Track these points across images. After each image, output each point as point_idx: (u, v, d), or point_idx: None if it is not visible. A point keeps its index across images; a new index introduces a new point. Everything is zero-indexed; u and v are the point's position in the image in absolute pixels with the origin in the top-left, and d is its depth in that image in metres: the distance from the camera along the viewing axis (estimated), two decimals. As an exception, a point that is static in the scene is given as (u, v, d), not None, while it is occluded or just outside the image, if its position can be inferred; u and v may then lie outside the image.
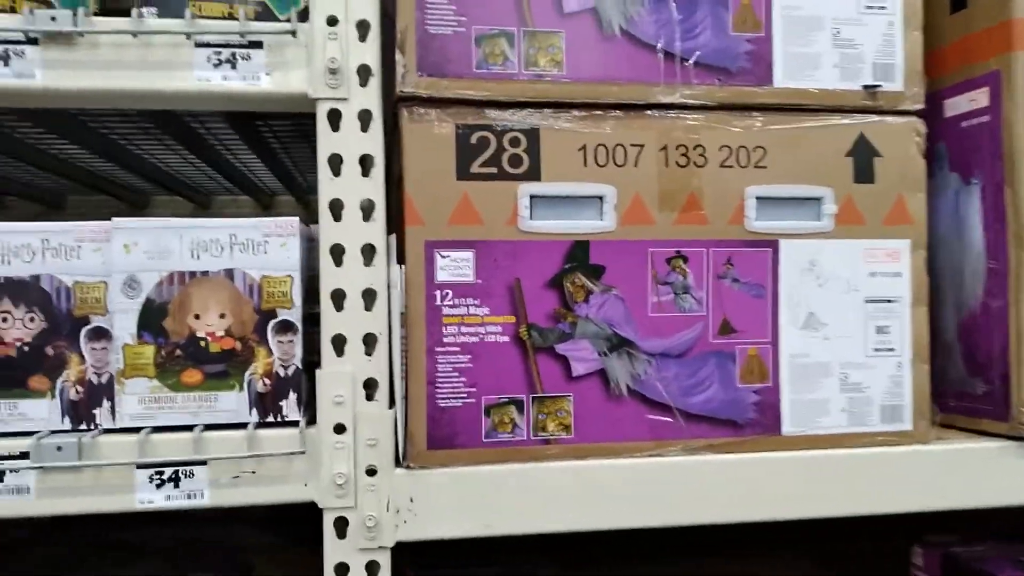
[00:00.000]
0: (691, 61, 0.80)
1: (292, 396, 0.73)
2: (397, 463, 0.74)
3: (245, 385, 0.73)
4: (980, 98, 0.88)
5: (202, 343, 0.73)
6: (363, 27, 0.74)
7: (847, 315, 0.82)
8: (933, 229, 0.95)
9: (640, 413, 0.78)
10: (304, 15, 0.74)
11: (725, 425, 0.79)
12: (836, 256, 0.82)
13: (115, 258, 0.72)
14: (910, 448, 0.82)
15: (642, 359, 0.78)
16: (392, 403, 0.74)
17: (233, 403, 0.73)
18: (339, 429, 0.72)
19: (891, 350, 0.83)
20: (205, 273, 0.73)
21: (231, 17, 0.76)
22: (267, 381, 0.73)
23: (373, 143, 0.74)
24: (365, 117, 0.74)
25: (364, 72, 0.74)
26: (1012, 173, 0.84)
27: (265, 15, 0.77)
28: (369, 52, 0.74)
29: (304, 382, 0.74)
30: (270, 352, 0.73)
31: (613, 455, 0.77)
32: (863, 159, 0.82)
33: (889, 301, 0.83)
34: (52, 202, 1.43)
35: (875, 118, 0.83)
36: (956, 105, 0.91)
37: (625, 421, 0.78)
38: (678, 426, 0.79)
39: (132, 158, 1.14)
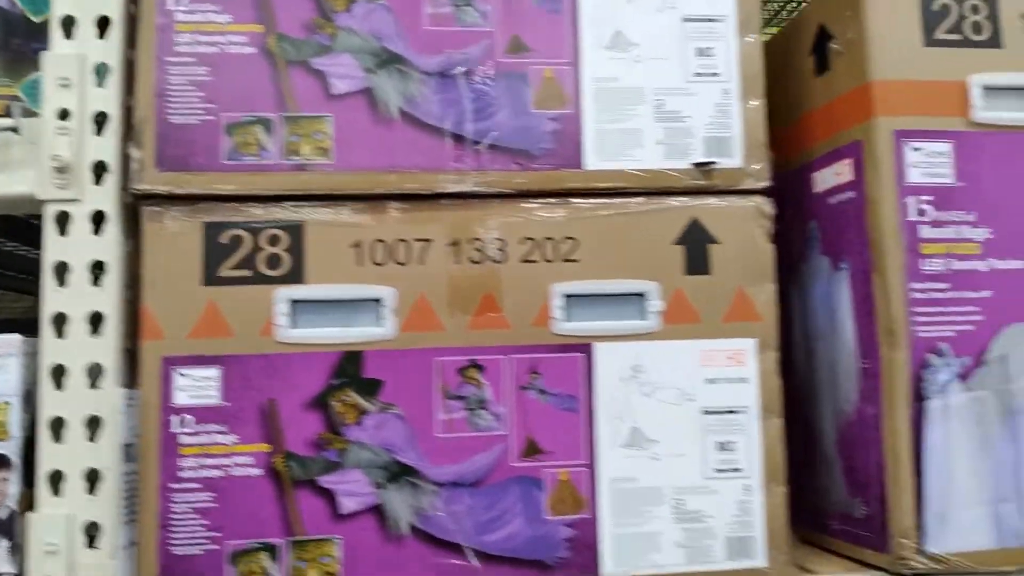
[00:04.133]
0: (485, 144, 0.70)
1: (3, 544, 0.63)
2: (132, 618, 0.64)
3: (-42, 528, 0.63)
4: (844, 171, 0.76)
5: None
6: (100, 120, 0.66)
7: (681, 430, 0.69)
8: (810, 322, 0.82)
9: (424, 556, 0.66)
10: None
11: (531, 567, 0.67)
12: (665, 360, 0.70)
13: None
14: (762, 591, 0.69)
15: (428, 490, 0.67)
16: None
17: (-57, 550, 0.63)
18: (56, 581, 0.62)
19: (737, 470, 0.70)
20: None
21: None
22: (-19, 524, 0.63)
23: (107, 248, 0.65)
24: (98, 219, 0.65)
25: (99, 169, 0.66)
26: (880, 258, 0.71)
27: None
28: (106, 147, 0.66)
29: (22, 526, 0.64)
30: (-13, 489, 0.64)
31: (394, 605, 0.65)
32: (696, 247, 0.71)
33: (732, 412, 0.70)
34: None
35: (710, 200, 0.72)
36: (824, 179, 0.80)
37: (407, 567, 0.66)
38: (472, 570, 0.66)
39: None
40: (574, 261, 0.70)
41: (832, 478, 0.78)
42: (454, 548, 0.66)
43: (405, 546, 0.66)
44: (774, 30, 0.83)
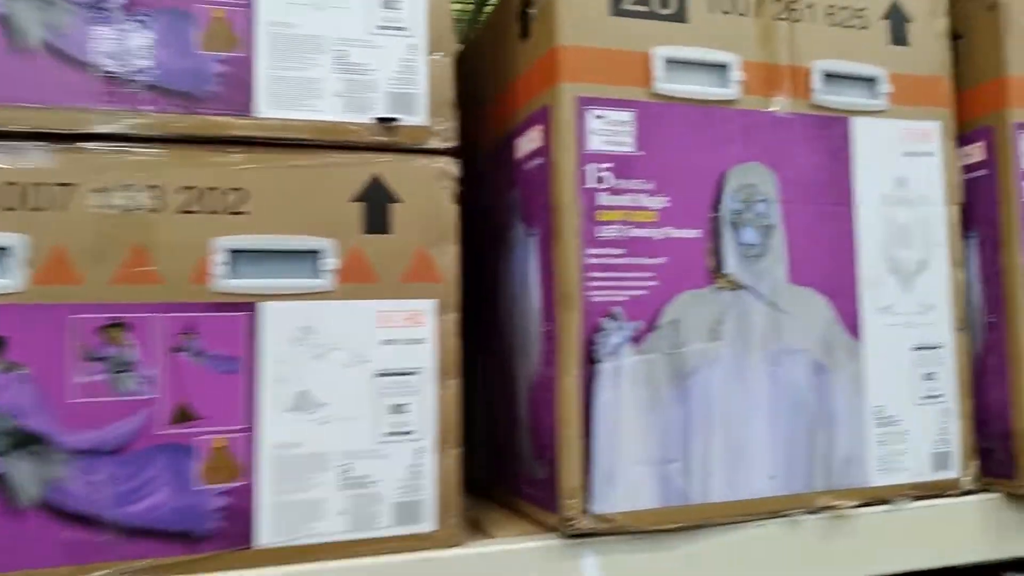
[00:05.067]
0: (140, 83, 0.64)
1: None
2: None
3: None
4: (536, 137, 0.76)
5: None
6: None
7: (353, 393, 0.67)
8: (510, 288, 0.82)
9: (51, 531, 0.60)
10: None
11: (176, 539, 0.63)
12: (339, 321, 0.67)
13: None
14: (428, 555, 0.68)
15: (60, 459, 0.61)
16: None
17: None
18: None
19: (408, 433, 0.68)
20: None
21: None
22: None
23: None
24: None
25: None
26: (559, 223, 0.72)
27: None
28: None
29: None
30: None
31: (14, 586, 0.59)
32: (376, 205, 0.69)
33: (407, 374, 0.69)
34: None
35: (393, 157, 0.70)
36: (522, 146, 0.80)
37: (33, 543, 0.60)
38: (109, 544, 0.61)
39: None
40: (242, 214, 0.66)
41: (523, 441, 0.79)
42: (88, 521, 0.61)
43: (27, 520, 0.60)
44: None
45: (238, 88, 0.66)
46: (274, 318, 0.66)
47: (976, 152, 0.87)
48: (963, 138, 0.88)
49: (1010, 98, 0.85)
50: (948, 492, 0.83)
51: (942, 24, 0.86)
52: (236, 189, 0.66)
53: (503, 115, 0.84)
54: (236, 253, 0.65)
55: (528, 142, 0.78)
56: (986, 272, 0.86)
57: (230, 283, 0.65)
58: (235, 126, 0.66)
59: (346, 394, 0.67)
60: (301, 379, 0.66)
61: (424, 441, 0.69)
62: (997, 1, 0.86)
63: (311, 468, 0.66)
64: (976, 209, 0.87)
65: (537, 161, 0.76)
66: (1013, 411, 0.83)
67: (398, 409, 0.68)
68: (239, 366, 0.65)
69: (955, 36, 0.88)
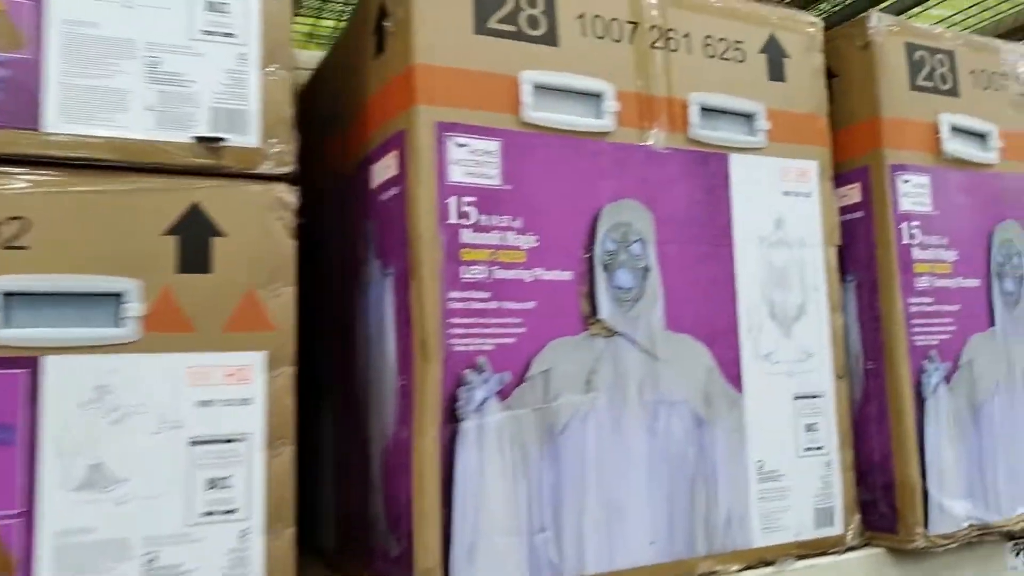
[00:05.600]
0: None
1: None
2: None
3: None
4: (391, 164, 0.68)
5: None
6: None
7: (160, 465, 0.56)
8: (365, 333, 0.73)
9: None
10: None
11: (-83, 660, 0.50)
12: (143, 378, 0.56)
13: None
14: (252, 658, 0.57)
15: None
16: None
17: None
18: None
19: (230, 512, 0.58)
20: None
21: None
22: None
23: None
24: None
25: None
26: (417, 262, 0.64)
27: None
28: None
29: None
30: None
31: None
32: (194, 239, 0.58)
33: (229, 441, 0.58)
34: None
35: (217, 183, 0.59)
36: (377, 173, 0.71)
37: None
38: None
39: None
40: (22, 248, 0.54)
41: (377, 510, 0.69)
42: None
43: None
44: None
45: (22, 96, 0.55)
46: (61, 376, 0.54)
47: (852, 193, 0.85)
48: (839, 178, 0.85)
49: (885, 139, 0.83)
50: (832, 549, 0.79)
51: (818, 60, 0.84)
52: (15, 218, 0.54)
53: (358, 138, 0.75)
54: (13, 296, 0.53)
55: (383, 169, 0.69)
56: (864, 316, 0.83)
57: (5, 333, 0.53)
58: (18, 141, 0.54)
59: (151, 467, 0.56)
60: (95, 450, 0.54)
61: (250, 521, 0.58)
62: (870, 40, 0.84)
63: (107, 558, 0.54)
64: (853, 251, 0.84)
65: (393, 191, 0.67)
66: (895, 461, 0.80)
67: (217, 483, 0.57)
68: (15, 436, 0.53)
69: (830, 74, 0.86)
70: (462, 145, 0.65)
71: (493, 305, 0.65)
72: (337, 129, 0.82)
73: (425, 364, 0.62)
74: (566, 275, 0.69)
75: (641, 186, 0.73)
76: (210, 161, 0.59)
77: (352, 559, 0.75)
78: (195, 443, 0.57)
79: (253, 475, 0.58)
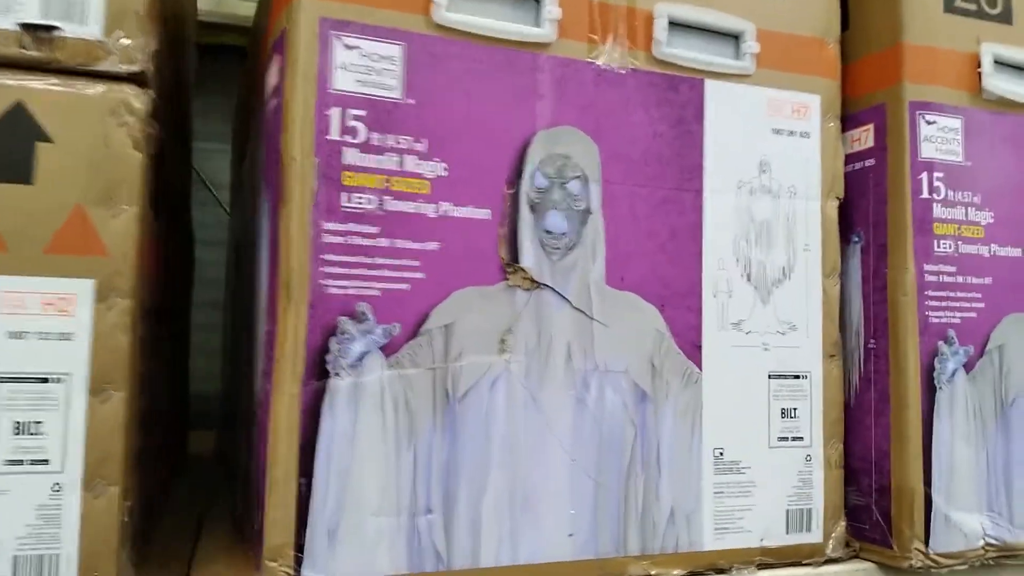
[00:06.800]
0: None
1: None
2: None
3: None
4: (275, 71, 0.58)
5: None
6: None
7: (-44, 404, 0.48)
8: (251, 272, 0.64)
9: None
10: None
11: None
12: (-59, 302, 0.48)
13: None
14: (49, 636, 0.48)
15: None
16: None
17: None
18: None
19: (41, 462, 0.49)
20: None
21: None
22: None
23: None
24: None
25: None
26: (287, 183, 0.53)
27: None
28: None
29: None
30: None
31: None
32: (15, 144, 0.49)
33: (40, 380, 0.49)
34: None
35: (47, 80, 0.51)
36: (268, 81, 0.61)
37: None
38: None
39: None
40: None
41: (252, 477, 0.60)
42: None
43: None
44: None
45: None
46: None
47: (865, 137, 0.70)
48: (850, 119, 0.71)
49: (907, 70, 0.68)
50: (807, 560, 0.66)
51: (828, -26, 0.69)
52: None
53: (263, 45, 0.65)
54: None
55: (270, 76, 0.59)
56: (869, 285, 0.69)
57: None
58: None
59: (-53, 406, 0.48)
60: None
61: (63, 475, 0.49)
62: (896, -49, 0.69)
63: None
64: (859, 207, 0.70)
65: (274, 102, 0.57)
66: (893, 460, 0.66)
67: (25, 429, 0.49)
68: None
69: (845, -6, 0.71)
70: (352, 47, 0.54)
71: (383, 243, 0.55)
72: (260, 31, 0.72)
73: (288, 307, 0.53)
74: (482, 213, 0.57)
75: (586, 112, 0.60)
76: (39, 53, 0.50)
77: (247, 528, 0.66)
78: (1, 380, 0.49)
79: (71, 422, 0.49)
